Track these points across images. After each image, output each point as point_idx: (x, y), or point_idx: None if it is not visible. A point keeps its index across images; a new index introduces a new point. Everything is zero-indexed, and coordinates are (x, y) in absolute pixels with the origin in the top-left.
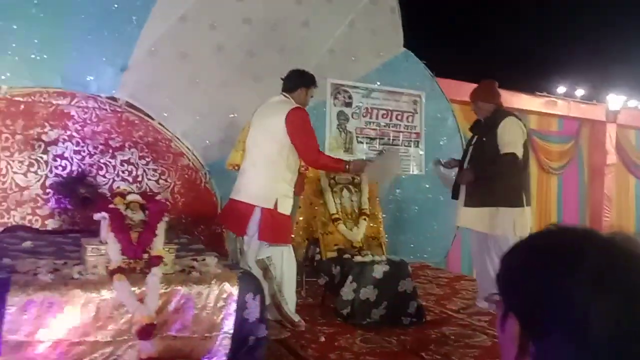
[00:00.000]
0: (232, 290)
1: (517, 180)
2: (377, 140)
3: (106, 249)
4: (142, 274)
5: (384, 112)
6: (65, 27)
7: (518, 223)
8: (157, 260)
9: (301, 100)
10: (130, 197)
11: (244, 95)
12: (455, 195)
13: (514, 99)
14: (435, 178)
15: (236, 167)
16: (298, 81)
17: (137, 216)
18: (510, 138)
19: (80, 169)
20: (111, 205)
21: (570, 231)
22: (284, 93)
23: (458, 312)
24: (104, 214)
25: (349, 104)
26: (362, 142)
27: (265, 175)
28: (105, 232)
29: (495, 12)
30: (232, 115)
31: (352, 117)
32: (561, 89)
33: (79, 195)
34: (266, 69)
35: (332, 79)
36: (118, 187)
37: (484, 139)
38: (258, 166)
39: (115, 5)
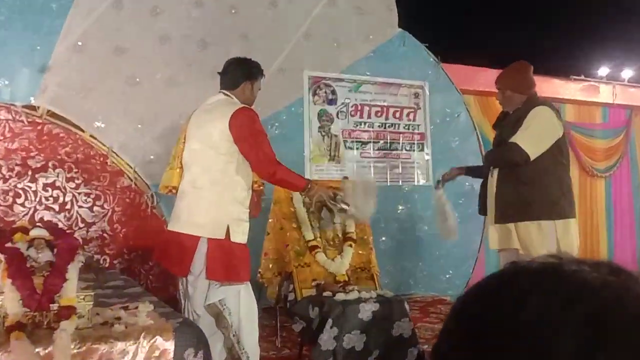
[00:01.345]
0: (167, 345)
1: (555, 186)
2: (371, 144)
3: (2, 300)
4: (49, 329)
5: (378, 109)
6: None
7: (563, 240)
8: (67, 312)
9: (247, 98)
10: (34, 233)
11: (197, 96)
12: (483, 210)
13: (544, 86)
14: (450, 187)
15: (173, 190)
16: (239, 74)
17: (43, 256)
18: (532, 131)
19: None
20: (9, 244)
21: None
22: (223, 91)
23: None
24: None
25: (332, 101)
26: (351, 148)
27: (210, 197)
28: (1, 278)
29: None
30: (183, 122)
31: (338, 116)
32: (604, 71)
33: None
34: (221, 61)
35: (310, 71)
36: (29, 219)
37: (511, 135)
38: (200, 186)
39: None
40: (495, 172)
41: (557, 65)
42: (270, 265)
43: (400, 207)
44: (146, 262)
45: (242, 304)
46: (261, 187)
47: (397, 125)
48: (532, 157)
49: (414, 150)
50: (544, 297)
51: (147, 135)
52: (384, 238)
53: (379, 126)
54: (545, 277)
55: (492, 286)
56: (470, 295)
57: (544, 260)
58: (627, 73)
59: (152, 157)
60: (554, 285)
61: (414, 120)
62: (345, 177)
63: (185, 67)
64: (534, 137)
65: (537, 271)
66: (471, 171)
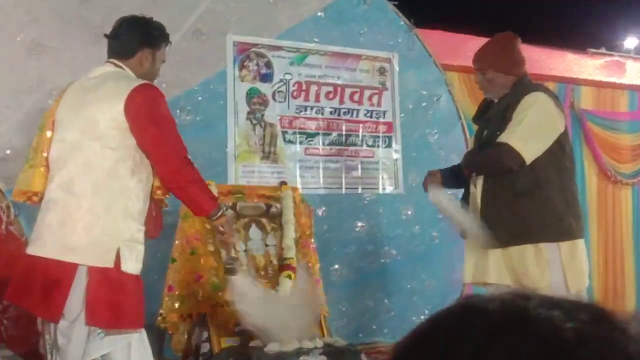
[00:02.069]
0: None
1: (559, 197)
2: (320, 137)
3: None
4: None
5: (330, 89)
6: None
7: (570, 267)
8: None
9: (145, 71)
10: None
11: (77, 66)
12: (463, 232)
13: (551, 61)
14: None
15: (34, 198)
16: (136, 38)
17: None
18: (526, 126)
19: None
20: None
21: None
22: (113, 60)
23: None
24: None
25: (267, 77)
26: (293, 142)
27: (93, 209)
28: None
29: None
30: (52, 103)
31: (274, 98)
32: (631, 42)
33: None
34: (110, 20)
35: (235, 35)
36: None
37: (498, 132)
38: (79, 192)
39: None
40: (480, 182)
41: (571, 35)
42: (177, 305)
43: (360, 224)
44: None
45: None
46: (165, 196)
47: (355, 112)
48: (528, 160)
49: (378, 146)
50: (506, 356)
51: (4, 122)
52: (336, 266)
53: (331, 112)
54: (509, 326)
55: (438, 335)
56: (408, 348)
57: (507, 298)
58: None
59: (7, 151)
60: (518, 339)
61: (378, 105)
62: (283, 183)
63: (60, 26)
64: (529, 134)
65: (498, 317)
66: (447, 177)
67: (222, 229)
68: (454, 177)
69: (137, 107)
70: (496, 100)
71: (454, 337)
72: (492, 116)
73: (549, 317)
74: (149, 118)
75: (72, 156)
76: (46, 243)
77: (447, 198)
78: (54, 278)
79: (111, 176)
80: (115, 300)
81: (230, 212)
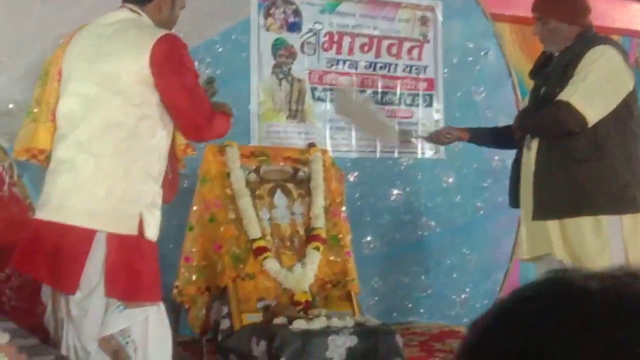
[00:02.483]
0: None
1: (623, 164)
2: (354, 95)
3: None
4: None
5: (365, 40)
6: None
7: (633, 244)
8: None
9: (163, 18)
10: None
11: (85, 11)
12: (514, 200)
13: (614, 13)
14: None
15: (40, 156)
16: None
17: None
18: (589, 83)
19: None
20: None
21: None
22: (129, 5)
23: None
24: None
25: (295, 27)
26: (323, 100)
27: (115, 169)
28: None
29: None
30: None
31: (303, 51)
32: None
33: None
34: None
35: None
36: None
37: (558, 89)
38: (98, 153)
39: None
40: (534, 145)
41: None
42: (194, 277)
43: (396, 192)
44: (1, 268)
45: (150, 336)
46: (192, 152)
47: (393, 67)
48: (591, 122)
49: (417, 105)
50: (605, 345)
51: (3, 73)
52: (369, 238)
53: (365, 67)
54: (611, 311)
55: (527, 313)
56: (490, 327)
57: (611, 276)
58: None
59: (10, 105)
60: (621, 326)
61: (419, 59)
62: (312, 144)
63: None
64: (593, 92)
65: (600, 298)
66: (480, 136)
67: None
68: (501, 136)
69: (163, 60)
70: (556, 54)
71: (546, 317)
72: (552, 72)
73: None
74: (175, 71)
75: (90, 113)
76: (61, 207)
77: (355, 103)
78: (69, 246)
79: (133, 135)
80: (136, 270)
81: (253, 176)
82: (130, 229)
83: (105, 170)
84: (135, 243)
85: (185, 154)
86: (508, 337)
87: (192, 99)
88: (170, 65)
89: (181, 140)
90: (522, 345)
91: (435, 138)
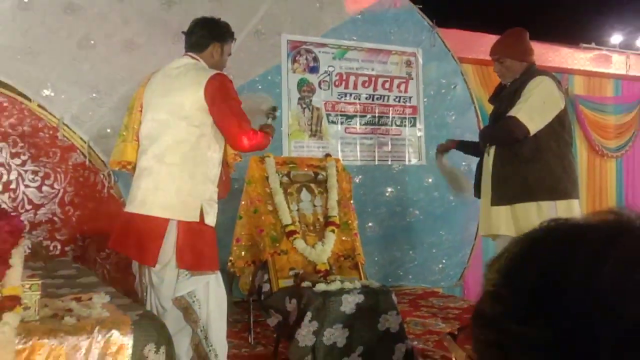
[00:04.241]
0: (124, 340)
1: (557, 163)
2: (357, 118)
3: None
4: None
5: (365, 78)
6: None
7: None
8: (11, 303)
9: (216, 62)
10: None
11: (160, 60)
12: (478, 192)
13: (549, 54)
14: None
15: (128, 166)
16: (207, 34)
17: None
18: (531, 103)
19: None
20: None
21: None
22: (190, 54)
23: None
24: None
25: (314, 69)
26: (335, 123)
27: (182, 175)
28: None
29: None
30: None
31: (320, 87)
32: (616, 39)
33: None
34: (187, 21)
35: (288, 35)
36: None
37: (509, 108)
38: (171, 162)
39: None
40: (492, 151)
41: (565, 32)
42: (243, 253)
43: (389, 189)
44: (102, 249)
45: (211, 296)
46: (239, 159)
47: (386, 97)
48: (532, 131)
49: (405, 126)
50: (627, 257)
51: (103, 106)
52: (370, 223)
53: (366, 98)
54: (621, 233)
55: (550, 248)
56: (527, 257)
57: (603, 216)
58: None
59: (108, 130)
60: (634, 242)
61: (405, 91)
62: (328, 155)
63: (146, 28)
64: (534, 109)
65: (606, 227)
66: (464, 146)
67: None
68: (470, 147)
69: (214, 91)
70: (509, 84)
71: (569, 247)
72: (504, 96)
73: None
74: (223, 99)
75: (163, 133)
76: (143, 203)
77: (449, 163)
78: (150, 231)
79: (194, 148)
80: (199, 248)
81: (285, 179)
82: (194, 217)
83: (175, 175)
84: (198, 228)
85: (234, 160)
86: (537, 267)
87: (236, 121)
88: (220, 95)
89: (231, 151)
90: (561, 272)
91: (439, 146)
